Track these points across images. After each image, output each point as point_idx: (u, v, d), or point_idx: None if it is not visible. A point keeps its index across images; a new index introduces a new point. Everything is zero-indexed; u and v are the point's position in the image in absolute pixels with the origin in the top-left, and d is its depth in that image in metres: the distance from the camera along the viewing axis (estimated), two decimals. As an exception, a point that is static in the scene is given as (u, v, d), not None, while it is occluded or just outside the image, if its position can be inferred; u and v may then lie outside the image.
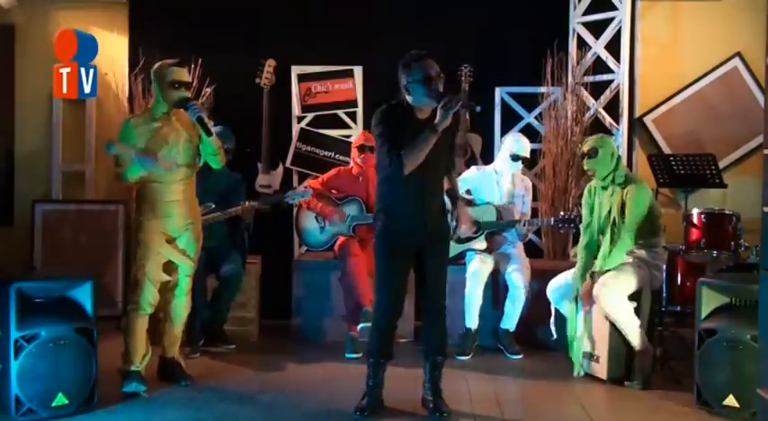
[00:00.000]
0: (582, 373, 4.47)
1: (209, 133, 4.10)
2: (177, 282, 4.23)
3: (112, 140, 4.15)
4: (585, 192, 4.62)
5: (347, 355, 4.87)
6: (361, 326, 4.82)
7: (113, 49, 6.11)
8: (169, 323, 4.29)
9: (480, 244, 5.10)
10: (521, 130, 5.95)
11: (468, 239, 5.07)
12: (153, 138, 4.07)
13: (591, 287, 4.34)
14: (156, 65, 4.21)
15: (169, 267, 4.19)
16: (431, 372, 3.82)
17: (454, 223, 3.78)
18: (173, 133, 4.12)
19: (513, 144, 5.10)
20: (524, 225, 5.03)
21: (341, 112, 6.09)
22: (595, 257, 4.42)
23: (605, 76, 5.97)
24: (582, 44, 6.04)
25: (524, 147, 5.10)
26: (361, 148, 5.27)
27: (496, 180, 5.14)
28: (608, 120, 5.94)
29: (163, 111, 4.13)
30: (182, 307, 4.28)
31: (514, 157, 5.07)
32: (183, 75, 4.17)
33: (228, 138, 5.17)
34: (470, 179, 5.20)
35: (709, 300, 3.91)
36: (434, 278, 3.77)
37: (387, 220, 3.72)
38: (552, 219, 5.02)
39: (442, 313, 3.80)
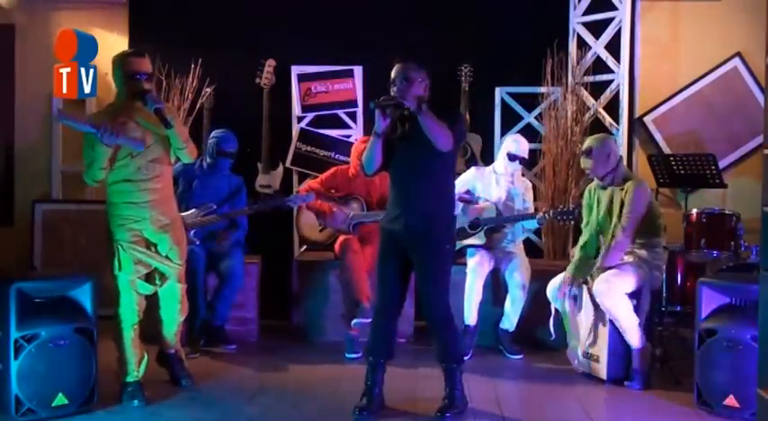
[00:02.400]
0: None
1: (167, 125, 3.82)
2: (167, 289, 4.06)
3: (62, 111, 3.92)
4: (585, 192, 4.63)
5: (347, 355, 4.87)
6: (355, 321, 4.85)
7: (113, 49, 6.04)
8: (166, 327, 4.18)
9: (479, 240, 5.10)
10: (521, 130, 5.95)
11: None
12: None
13: (573, 281, 4.40)
14: (115, 55, 4.04)
15: (155, 275, 4.01)
16: (444, 378, 3.82)
17: None
18: (138, 128, 3.90)
19: (511, 144, 5.12)
20: (525, 220, 5.02)
21: (341, 112, 6.09)
22: (592, 257, 4.42)
23: (605, 76, 5.97)
24: (582, 44, 6.04)
25: (522, 147, 5.11)
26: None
27: (495, 179, 5.14)
28: (608, 120, 5.94)
29: (125, 105, 3.91)
30: (176, 312, 4.14)
31: (511, 157, 5.08)
32: (142, 64, 3.92)
33: (231, 141, 5.16)
34: (469, 179, 5.20)
35: (709, 300, 3.91)
36: (422, 283, 3.73)
37: (382, 221, 3.85)
38: (551, 212, 5.00)
39: (436, 321, 3.75)
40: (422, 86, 3.69)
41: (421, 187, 3.70)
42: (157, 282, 4.03)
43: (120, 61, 3.97)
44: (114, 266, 3.91)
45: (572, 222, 4.99)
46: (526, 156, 5.16)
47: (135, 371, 3.99)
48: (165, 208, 4.01)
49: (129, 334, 3.96)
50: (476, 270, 4.97)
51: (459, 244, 5.15)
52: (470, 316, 4.96)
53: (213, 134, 5.21)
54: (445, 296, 3.75)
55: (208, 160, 5.15)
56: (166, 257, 4.02)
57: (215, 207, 5.01)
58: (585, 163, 4.45)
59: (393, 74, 3.70)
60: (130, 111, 3.93)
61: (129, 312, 3.94)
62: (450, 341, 3.78)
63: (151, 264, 3.99)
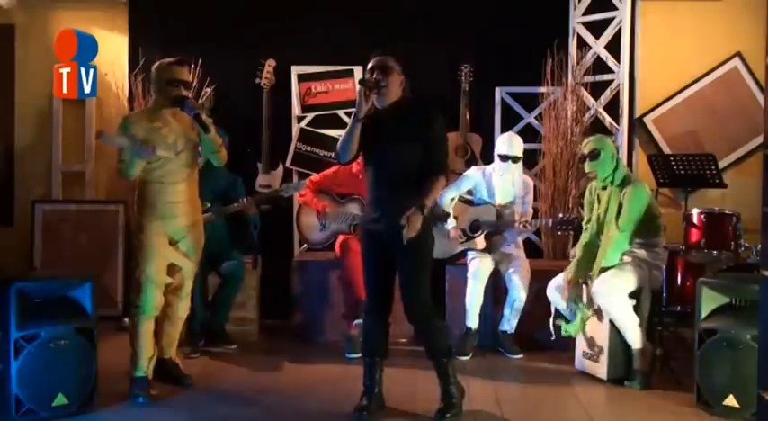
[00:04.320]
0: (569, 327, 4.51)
1: (207, 130, 4.02)
2: (179, 284, 4.18)
3: (104, 131, 4.10)
4: (587, 189, 4.62)
5: (347, 355, 4.86)
6: (357, 321, 4.85)
7: (113, 49, 6.12)
8: (168, 325, 4.24)
9: (480, 243, 5.10)
10: (521, 130, 5.95)
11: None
12: (152, 138, 4.01)
13: (575, 283, 4.38)
14: (156, 63, 4.18)
15: (172, 269, 4.14)
16: (436, 373, 3.82)
17: (404, 223, 3.56)
18: (172, 133, 4.07)
19: (501, 144, 5.10)
20: (523, 226, 5.02)
21: (341, 112, 6.08)
22: (593, 256, 4.42)
23: (605, 76, 5.97)
24: (582, 44, 6.04)
25: (514, 146, 5.07)
26: None
27: (496, 180, 5.13)
28: (608, 120, 5.94)
29: (162, 110, 4.09)
30: (182, 309, 4.26)
31: (503, 158, 5.06)
32: (182, 73, 4.12)
33: (222, 135, 5.18)
34: (470, 178, 5.20)
35: (709, 300, 3.91)
36: (406, 281, 3.71)
37: (363, 221, 3.84)
38: (550, 222, 5.02)
39: (421, 317, 3.73)
40: (399, 80, 3.69)
41: (402, 188, 3.66)
42: (174, 276, 4.15)
43: (161, 69, 4.10)
44: (140, 258, 4.02)
45: (571, 232, 4.99)
46: (519, 154, 5.11)
47: (145, 367, 4.04)
48: (190, 208, 4.17)
49: (145, 327, 4.04)
50: (476, 275, 4.97)
51: (460, 247, 5.15)
52: (472, 319, 4.96)
53: None
54: (427, 292, 3.72)
55: (201, 159, 5.14)
56: (185, 254, 4.15)
57: (209, 204, 5.01)
58: (593, 166, 4.42)
59: (370, 64, 3.71)
60: (165, 116, 4.08)
61: (149, 305, 4.02)
62: (437, 335, 3.78)
63: (169, 259, 4.10)
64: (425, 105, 3.74)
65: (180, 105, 4.04)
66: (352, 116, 3.66)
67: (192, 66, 5.83)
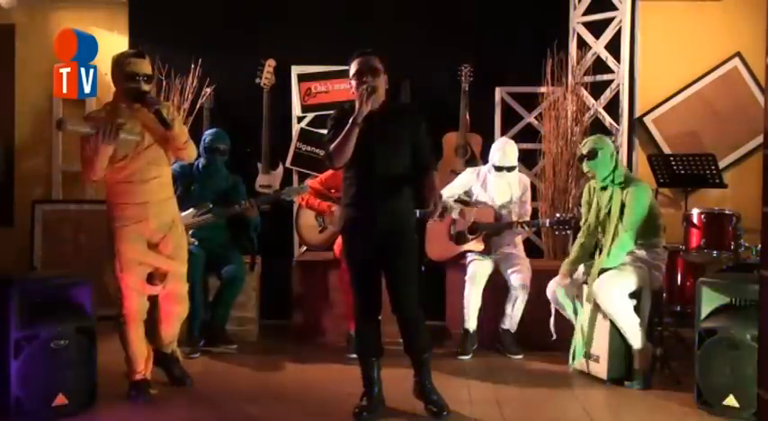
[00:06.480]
0: (573, 364, 4.51)
1: (167, 127, 3.84)
2: (170, 289, 4.06)
3: (64, 119, 3.93)
4: (585, 189, 4.63)
5: (351, 355, 4.84)
6: None
7: (113, 49, 6.06)
8: (167, 328, 4.19)
9: (478, 246, 5.10)
10: (521, 130, 5.95)
11: (465, 240, 5.11)
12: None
13: (570, 273, 4.43)
14: (114, 56, 4.02)
15: (159, 274, 4.01)
16: (414, 372, 3.83)
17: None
18: (136, 128, 3.90)
19: (494, 154, 5.09)
20: (522, 227, 5.02)
21: (341, 112, 6.08)
22: (591, 255, 4.42)
23: (605, 76, 5.97)
24: (582, 44, 6.04)
25: (507, 156, 5.05)
26: None
27: (492, 181, 5.13)
28: (608, 120, 5.94)
29: (123, 106, 3.92)
30: (180, 312, 4.17)
31: (497, 169, 5.06)
32: (141, 66, 3.91)
33: (222, 138, 5.18)
34: (466, 181, 5.19)
35: (710, 300, 3.91)
36: (396, 280, 3.70)
37: (345, 219, 3.77)
38: (548, 222, 5.02)
39: (412, 316, 3.72)
40: (385, 80, 3.70)
41: (391, 188, 3.67)
42: (160, 282, 4.03)
43: (120, 62, 3.95)
44: (116, 267, 3.90)
45: (569, 232, 5.00)
46: (514, 163, 5.10)
47: (141, 370, 4.00)
48: (165, 208, 4.01)
49: (134, 333, 3.97)
50: (474, 278, 4.97)
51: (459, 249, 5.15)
52: (470, 321, 4.96)
53: (205, 134, 5.24)
54: (417, 290, 3.72)
55: (202, 161, 5.14)
56: (168, 257, 4.03)
57: (211, 205, 5.00)
58: (591, 166, 4.43)
59: (357, 66, 3.67)
60: (129, 111, 3.93)
61: (133, 312, 3.93)
62: (424, 332, 3.79)
63: (153, 265, 3.99)
64: (411, 107, 3.76)
65: (139, 100, 3.86)
66: (351, 120, 3.58)
67: (192, 66, 5.85)
